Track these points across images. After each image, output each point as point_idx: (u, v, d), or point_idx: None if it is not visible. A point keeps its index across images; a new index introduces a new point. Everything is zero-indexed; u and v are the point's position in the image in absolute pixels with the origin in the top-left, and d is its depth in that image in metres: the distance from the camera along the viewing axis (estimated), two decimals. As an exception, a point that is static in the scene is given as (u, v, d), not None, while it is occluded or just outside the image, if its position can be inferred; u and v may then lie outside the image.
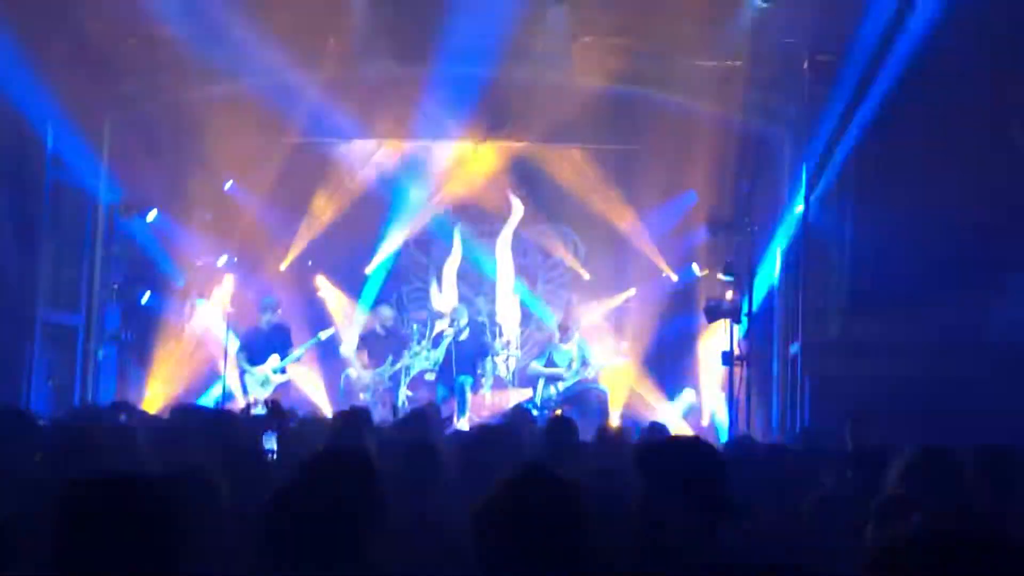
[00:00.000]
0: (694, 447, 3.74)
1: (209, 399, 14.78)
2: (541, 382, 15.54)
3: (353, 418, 7.51)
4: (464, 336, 15.57)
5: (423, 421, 7.84)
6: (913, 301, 11.45)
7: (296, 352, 15.28)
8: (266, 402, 9.92)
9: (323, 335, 15.55)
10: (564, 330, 16.06)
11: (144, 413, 10.04)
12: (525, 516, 2.62)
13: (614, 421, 14.22)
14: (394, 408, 12.73)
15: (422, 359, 15.72)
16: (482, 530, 2.66)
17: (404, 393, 15.46)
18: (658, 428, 9.02)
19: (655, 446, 4.01)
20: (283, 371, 15.16)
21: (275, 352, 15.16)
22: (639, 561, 3.50)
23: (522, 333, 17.27)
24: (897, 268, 11.53)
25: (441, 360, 15.40)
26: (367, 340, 16.10)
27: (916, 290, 11.41)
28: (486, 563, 2.64)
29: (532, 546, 2.59)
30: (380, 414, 12.91)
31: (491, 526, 2.65)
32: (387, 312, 16.34)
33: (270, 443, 7.02)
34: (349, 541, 2.95)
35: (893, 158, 11.60)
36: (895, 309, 11.65)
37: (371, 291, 17.09)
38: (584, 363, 15.55)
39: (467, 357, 15.52)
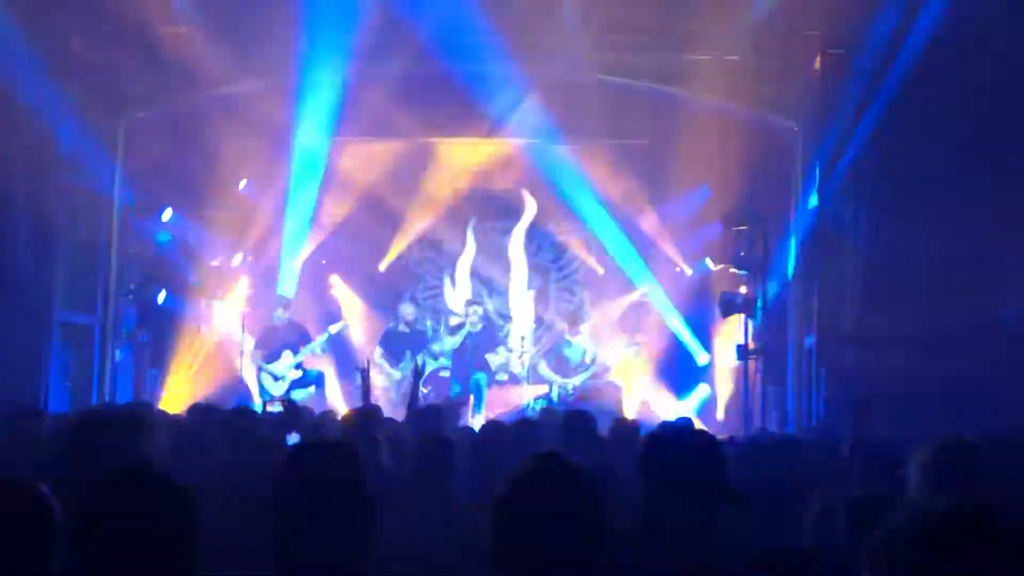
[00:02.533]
0: (691, 435, 3.76)
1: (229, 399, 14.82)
2: (557, 380, 15.58)
3: (366, 415, 7.55)
4: (479, 328, 15.63)
5: (437, 416, 7.87)
6: (927, 294, 11.43)
7: (309, 347, 15.31)
8: (282, 400, 10.01)
9: (333, 329, 15.59)
10: (574, 324, 16.10)
11: (162, 412, 10.09)
12: (540, 504, 2.64)
13: (629, 416, 14.23)
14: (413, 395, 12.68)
15: (441, 357, 15.73)
16: (497, 519, 2.68)
17: (422, 389, 15.49)
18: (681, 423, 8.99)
19: (653, 436, 4.02)
20: (299, 367, 15.20)
21: (289, 349, 15.21)
22: (643, 551, 3.52)
23: (536, 329, 17.29)
24: (911, 261, 11.51)
25: (457, 347, 15.46)
26: (387, 338, 16.13)
27: (930, 283, 11.38)
28: (500, 552, 2.67)
29: (547, 534, 2.61)
30: (396, 410, 12.97)
31: (506, 515, 2.68)
32: (409, 308, 16.38)
33: (293, 441, 7.05)
34: (344, 536, 2.97)
35: (906, 152, 11.57)
36: (909, 302, 11.62)
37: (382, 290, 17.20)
38: (595, 359, 15.57)
39: (481, 354, 15.57)
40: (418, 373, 9.12)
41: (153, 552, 2.63)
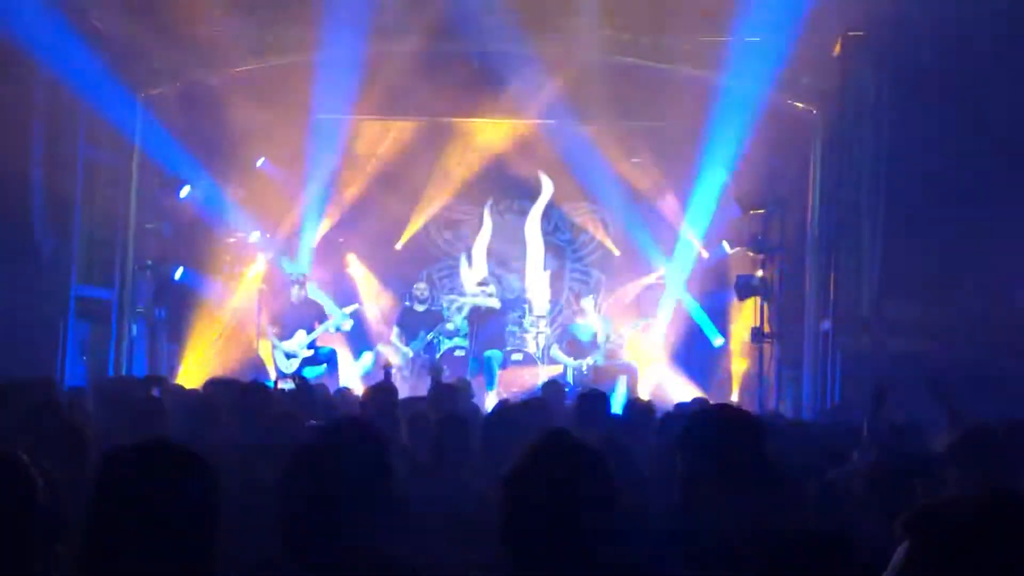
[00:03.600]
0: (734, 415, 3.76)
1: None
2: (570, 362, 15.60)
3: (382, 393, 7.58)
4: (492, 304, 15.66)
5: (452, 395, 7.90)
6: (945, 279, 11.39)
7: (323, 327, 15.34)
8: (293, 378, 10.04)
9: (347, 310, 15.63)
10: (580, 304, 16.14)
11: (178, 386, 10.14)
12: (550, 481, 2.65)
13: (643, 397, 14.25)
14: (437, 373, 12.70)
15: (456, 336, 15.76)
16: (508, 496, 2.69)
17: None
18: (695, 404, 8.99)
19: (696, 415, 4.02)
20: (312, 345, 15.24)
21: (303, 328, 15.24)
22: (680, 530, 3.53)
23: (551, 310, 17.30)
24: (929, 246, 11.46)
25: (466, 320, 15.50)
26: (402, 316, 16.16)
27: (948, 268, 11.34)
28: (509, 528, 2.68)
29: (556, 511, 2.62)
30: (413, 386, 13.05)
31: (515, 490, 2.69)
32: (423, 287, 16.39)
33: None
34: (361, 514, 2.97)
35: (926, 136, 11.51)
36: (927, 287, 11.59)
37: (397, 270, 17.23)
38: (609, 338, 15.57)
39: (495, 333, 15.60)
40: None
41: (174, 523, 2.64)
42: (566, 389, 13.44)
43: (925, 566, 1.61)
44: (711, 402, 9.24)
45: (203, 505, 2.70)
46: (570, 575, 2.60)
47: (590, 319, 15.89)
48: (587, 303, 16.19)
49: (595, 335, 15.57)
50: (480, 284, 16.18)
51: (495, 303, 15.91)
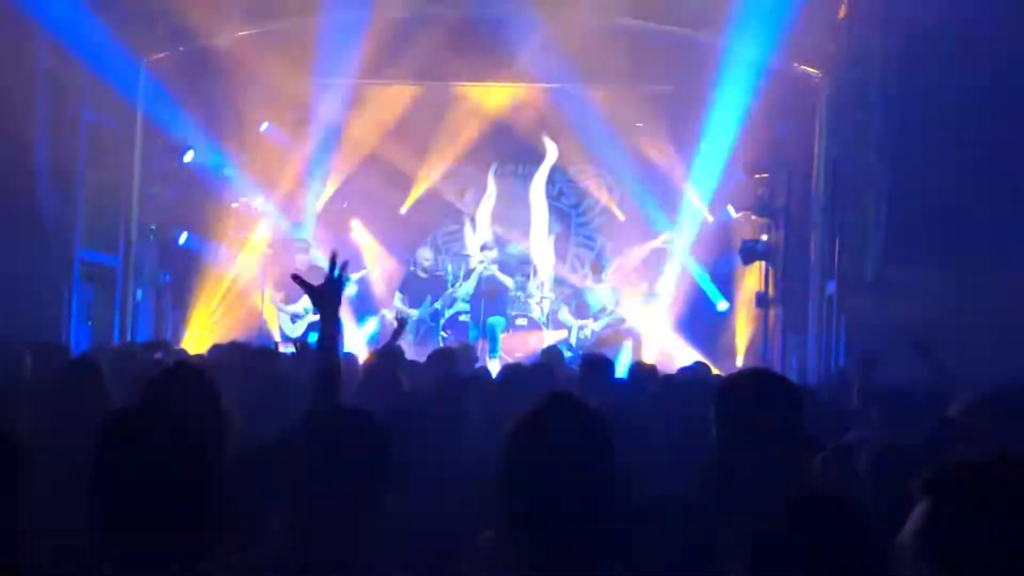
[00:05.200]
0: (776, 380, 3.75)
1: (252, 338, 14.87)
2: (576, 324, 15.61)
3: (387, 356, 7.60)
4: (494, 270, 15.63)
5: (451, 358, 7.90)
6: (949, 244, 11.35)
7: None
8: (295, 342, 10.05)
9: (354, 276, 15.61)
10: (597, 271, 16.10)
11: (182, 351, 10.16)
12: (550, 442, 2.65)
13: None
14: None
15: (457, 301, 15.75)
16: (508, 455, 2.70)
17: (442, 334, 15.53)
18: (700, 368, 8.97)
19: (731, 379, 3.99)
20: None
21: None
22: (717, 493, 3.53)
23: (556, 275, 17.28)
24: (933, 211, 11.42)
25: (473, 292, 15.46)
26: (406, 282, 16.15)
27: (952, 233, 11.30)
28: (509, 488, 2.68)
29: (556, 472, 2.62)
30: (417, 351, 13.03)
31: (516, 451, 2.69)
32: (427, 253, 16.37)
33: None
34: (362, 491, 2.94)
35: (931, 101, 11.43)
36: (931, 251, 11.55)
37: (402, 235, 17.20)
38: (617, 304, 15.57)
39: (499, 298, 15.59)
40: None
41: (170, 479, 2.67)
42: (569, 354, 13.49)
43: (947, 528, 1.59)
44: (713, 367, 9.24)
45: (199, 462, 2.75)
46: (569, 536, 2.60)
47: (604, 287, 15.87)
48: (606, 274, 16.18)
49: (605, 302, 15.57)
50: (483, 249, 16.11)
51: (508, 281, 15.83)
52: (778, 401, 3.60)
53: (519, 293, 16.50)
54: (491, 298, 15.40)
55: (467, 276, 15.88)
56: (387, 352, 7.87)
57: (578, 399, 2.78)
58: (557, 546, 2.61)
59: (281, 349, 11.02)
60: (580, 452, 2.65)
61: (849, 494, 3.28)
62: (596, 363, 6.99)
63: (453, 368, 7.38)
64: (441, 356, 8.10)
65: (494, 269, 15.67)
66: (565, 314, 15.88)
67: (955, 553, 1.55)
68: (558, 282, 17.18)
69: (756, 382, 3.78)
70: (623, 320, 15.58)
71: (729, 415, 3.61)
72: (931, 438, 4.27)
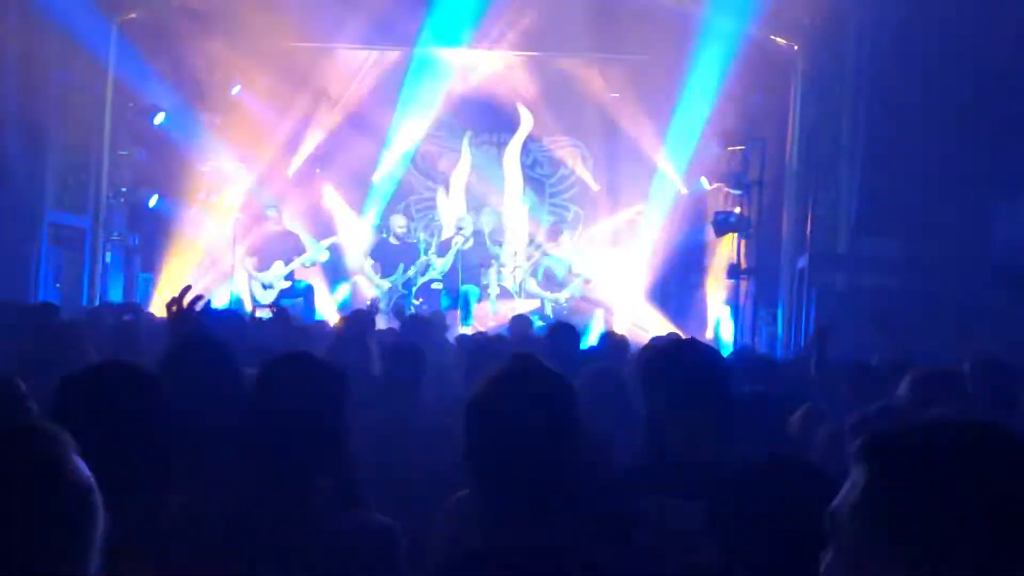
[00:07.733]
0: (699, 348, 3.73)
1: (219, 302, 14.79)
2: (547, 296, 15.60)
3: (357, 321, 7.58)
4: (469, 245, 15.56)
5: (423, 327, 7.89)
6: (921, 218, 11.40)
7: (300, 260, 15.20)
8: (271, 307, 10.02)
9: (325, 243, 15.52)
10: (553, 236, 16.10)
11: (151, 315, 10.10)
12: (513, 405, 2.64)
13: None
14: (400, 314, 12.72)
15: (430, 268, 15.68)
16: (470, 418, 2.68)
17: (413, 302, 15.46)
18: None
19: (659, 348, 4.00)
20: (290, 277, 15.15)
21: (280, 259, 15.13)
22: (642, 463, 3.53)
23: (529, 244, 17.24)
24: (906, 185, 11.46)
25: (448, 269, 15.39)
26: (378, 249, 16.08)
27: (924, 207, 11.35)
28: (472, 450, 2.67)
29: (518, 434, 2.61)
30: (389, 322, 12.99)
31: (479, 414, 2.68)
32: (400, 221, 16.25)
33: None
34: (319, 444, 2.96)
35: (906, 75, 11.45)
36: (903, 225, 11.61)
37: (375, 201, 17.09)
38: (578, 268, 15.57)
39: (472, 267, 15.54)
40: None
41: (124, 438, 2.65)
42: (541, 323, 13.48)
43: (883, 494, 1.55)
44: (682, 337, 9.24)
45: (153, 420, 2.76)
46: (532, 499, 2.59)
47: (563, 251, 15.86)
48: (564, 236, 16.17)
49: (570, 267, 15.56)
50: (458, 227, 15.92)
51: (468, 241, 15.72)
52: (701, 372, 3.57)
53: (493, 262, 16.46)
54: (467, 265, 15.36)
55: (442, 251, 15.66)
56: (357, 318, 7.85)
57: (541, 362, 2.76)
58: (523, 504, 2.60)
59: (257, 315, 10.96)
60: (543, 414, 2.63)
61: (811, 459, 3.30)
62: (563, 332, 6.97)
63: (423, 337, 7.36)
64: (414, 323, 8.09)
65: (470, 242, 15.59)
66: (533, 285, 15.87)
67: (893, 518, 1.52)
68: (529, 253, 17.11)
69: (681, 348, 3.77)
70: (589, 280, 15.57)
71: (653, 387, 3.58)
72: (878, 411, 4.28)
